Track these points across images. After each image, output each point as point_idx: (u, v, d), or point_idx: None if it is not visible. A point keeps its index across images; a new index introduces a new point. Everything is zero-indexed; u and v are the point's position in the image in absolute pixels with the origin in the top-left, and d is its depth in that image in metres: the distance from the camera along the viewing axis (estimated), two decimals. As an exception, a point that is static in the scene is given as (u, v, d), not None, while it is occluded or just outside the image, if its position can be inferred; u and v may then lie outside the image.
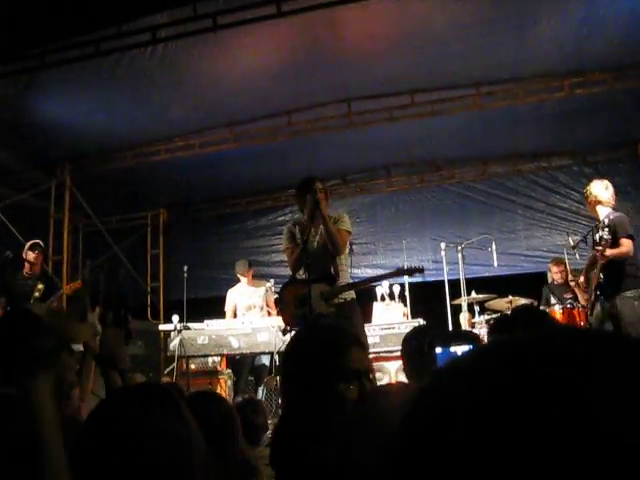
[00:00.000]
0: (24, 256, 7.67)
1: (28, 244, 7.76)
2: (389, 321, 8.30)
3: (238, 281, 8.88)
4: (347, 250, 5.70)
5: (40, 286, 7.31)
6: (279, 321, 7.31)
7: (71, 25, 6.23)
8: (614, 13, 6.85)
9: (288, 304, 5.65)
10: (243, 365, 8.37)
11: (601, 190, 6.35)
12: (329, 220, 5.44)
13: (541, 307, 8.46)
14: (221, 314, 8.72)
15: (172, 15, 6.42)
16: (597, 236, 6.10)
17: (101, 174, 9.78)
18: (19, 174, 9.68)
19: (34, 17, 6.07)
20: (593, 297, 6.33)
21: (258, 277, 9.45)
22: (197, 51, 7.19)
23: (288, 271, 6.35)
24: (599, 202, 6.29)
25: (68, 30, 6.35)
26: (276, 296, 8.64)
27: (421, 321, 8.18)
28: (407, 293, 9.21)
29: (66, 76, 7.27)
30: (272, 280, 9.26)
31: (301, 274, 5.52)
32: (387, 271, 8.33)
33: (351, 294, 5.54)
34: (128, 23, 6.39)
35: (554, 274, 8.55)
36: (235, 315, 8.71)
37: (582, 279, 6.82)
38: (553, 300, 8.29)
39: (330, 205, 5.89)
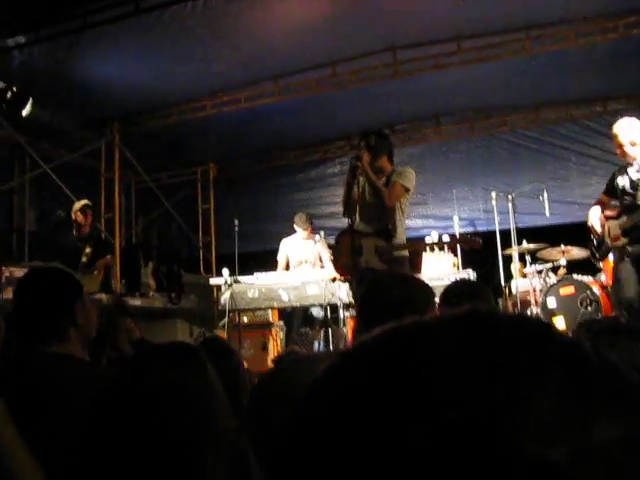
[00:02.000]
0: (73, 217, 7.77)
1: (76, 205, 7.83)
2: (439, 272, 8.26)
3: (294, 232, 8.85)
4: (404, 205, 5.67)
5: (88, 250, 7.35)
6: (328, 274, 7.37)
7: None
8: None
9: (342, 253, 5.67)
10: (294, 317, 8.43)
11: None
12: (372, 173, 5.44)
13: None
14: (272, 267, 8.77)
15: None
16: (635, 177, 5.59)
17: (149, 131, 9.87)
18: (69, 134, 9.84)
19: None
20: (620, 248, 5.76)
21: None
22: (238, 4, 7.13)
23: (339, 223, 6.41)
24: (621, 145, 5.64)
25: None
26: (331, 243, 8.69)
27: (471, 272, 8.13)
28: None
29: (109, 36, 7.30)
30: (322, 232, 9.28)
31: (359, 224, 5.54)
32: (435, 238, 8.36)
33: (404, 251, 5.56)
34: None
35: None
36: (287, 267, 8.73)
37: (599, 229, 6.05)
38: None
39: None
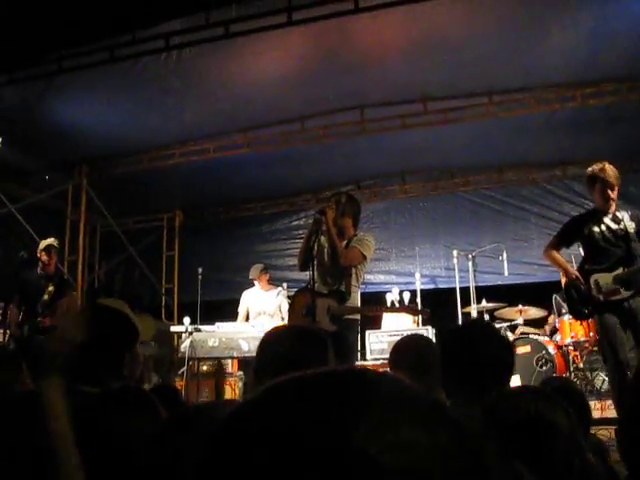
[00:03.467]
0: (38, 255, 7.74)
1: (42, 245, 7.81)
2: (398, 328, 8.33)
3: (253, 285, 8.93)
4: (360, 270, 5.77)
5: (50, 288, 7.34)
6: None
7: (87, 32, 6.36)
8: (624, 24, 6.86)
9: (296, 311, 5.73)
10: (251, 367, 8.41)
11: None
12: (334, 231, 5.55)
13: (551, 316, 8.47)
14: (234, 317, 8.79)
15: (185, 22, 6.53)
16: (614, 227, 5.49)
17: (117, 176, 9.92)
18: (36, 175, 9.85)
19: (51, 23, 6.22)
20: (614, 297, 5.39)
21: (272, 281, 9.52)
22: (211, 58, 7.29)
23: (302, 275, 6.47)
24: (614, 187, 5.56)
25: (84, 36, 6.48)
26: (289, 301, 8.75)
27: (430, 329, 8.22)
28: (418, 300, 9.27)
29: (83, 81, 7.41)
30: (285, 284, 9.34)
31: (312, 281, 5.61)
32: (396, 294, 8.47)
33: (355, 315, 5.64)
34: (142, 30, 6.51)
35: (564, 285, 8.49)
36: (247, 318, 8.76)
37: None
38: (564, 310, 8.18)
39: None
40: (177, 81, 7.69)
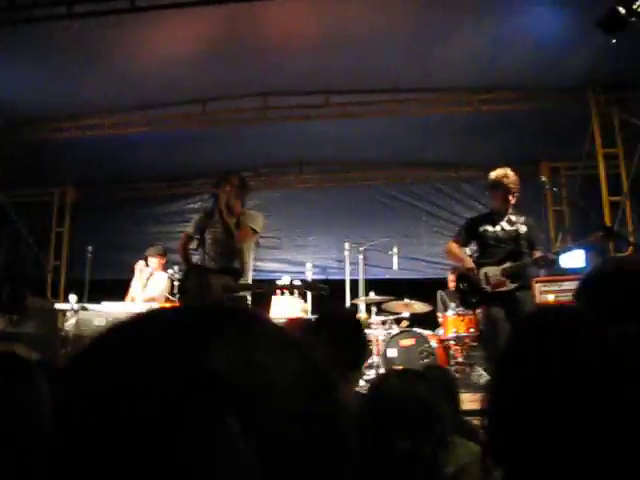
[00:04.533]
0: None
1: None
2: (287, 315, 8.40)
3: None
4: (252, 247, 5.89)
5: None
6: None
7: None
8: (524, 36, 7.16)
9: (190, 290, 5.74)
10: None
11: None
12: (227, 212, 5.63)
13: (438, 313, 8.74)
14: (123, 297, 8.66)
15: (90, -8, 6.38)
16: (508, 228, 5.93)
17: (7, 145, 9.54)
18: None
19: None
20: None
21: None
22: (114, 30, 7.10)
23: (194, 258, 6.48)
24: (514, 193, 5.99)
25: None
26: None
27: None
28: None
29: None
30: (176, 267, 9.25)
31: (205, 261, 5.65)
32: (295, 280, 8.52)
33: (246, 292, 5.73)
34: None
35: (450, 282, 8.79)
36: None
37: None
38: (451, 305, 8.46)
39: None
40: (77, 51, 7.46)
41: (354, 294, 9.10)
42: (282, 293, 8.50)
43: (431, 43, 7.43)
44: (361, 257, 9.04)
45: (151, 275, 8.66)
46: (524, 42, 7.28)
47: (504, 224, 5.99)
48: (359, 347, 3.06)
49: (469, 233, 6.23)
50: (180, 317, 0.63)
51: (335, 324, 3.03)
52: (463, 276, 6.20)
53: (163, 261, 8.81)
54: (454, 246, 6.26)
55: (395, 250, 9.19)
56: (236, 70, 8.05)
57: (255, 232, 5.82)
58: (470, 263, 6.04)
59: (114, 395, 0.55)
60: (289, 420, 0.56)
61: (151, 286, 8.57)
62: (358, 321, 3.53)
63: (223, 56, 7.74)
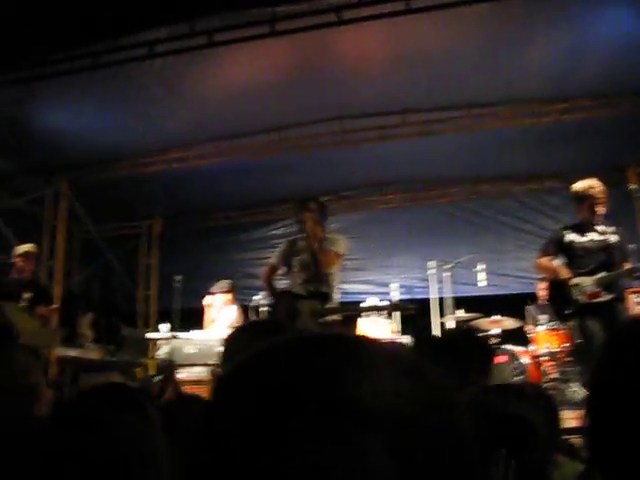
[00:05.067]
0: (14, 260, 7.66)
1: (19, 250, 7.72)
2: (376, 337, 8.38)
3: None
4: (337, 270, 5.95)
5: (27, 295, 7.19)
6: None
7: (70, 37, 6.38)
8: (600, 42, 7.01)
9: (280, 316, 5.82)
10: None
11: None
12: (314, 239, 5.70)
13: (528, 328, 8.55)
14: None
15: (169, 31, 6.57)
16: (598, 238, 5.81)
17: (97, 183, 9.90)
18: (16, 180, 9.81)
19: (34, 28, 6.23)
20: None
21: (249, 289, 9.56)
22: (194, 66, 7.34)
23: (279, 284, 6.57)
24: (602, 203, 5.89)
25: (67, 42, 6.50)
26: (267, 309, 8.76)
27: (409, 338, 8.29)
28: (395, 310, 9.33)
29: (65, 86, 7.41)
30: (261, 293, 9.34)
31: (293, 288, 5.73)
32: (380, 302, 8.53)
33: (336, 315, 5.77)
34: (126, 37, 6.56)
35: (540, 291, 8.58)
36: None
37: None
38: (541, 319, 8.26)
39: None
40: (159, 89, 7.73)
41: (442, 313, 9.01)
42: (369, 315, 8.58)
43: (506, 56, 7.35)
44: (447, 275, 8.94)
45: (220, 311, 8.74)
46: (601, 47, 7.12)
47: (593, 235, 5.84)
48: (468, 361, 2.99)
49: (556, 245, 6.06)
50: (314, 345, 0.67)
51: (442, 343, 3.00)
52: (556, 286, 6.03)
53: (230, 296, 8.86)
54: (544, 260, 6.11)
55: (481, 267, 9.06)
56: (311, 96, 8.15)
57: (339, 255, 5.87)
58: (567, 272, 5.86)
59: (262, 418, 0.59)
60: (420, 442, 0.60)
61: (222, 320, 8.65)
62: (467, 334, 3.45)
63: (298, 83, 7.85)
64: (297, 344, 0.68)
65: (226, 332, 7.64)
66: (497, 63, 7.47)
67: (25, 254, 7.65)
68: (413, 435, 0.59)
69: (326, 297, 5.69)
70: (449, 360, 2.77)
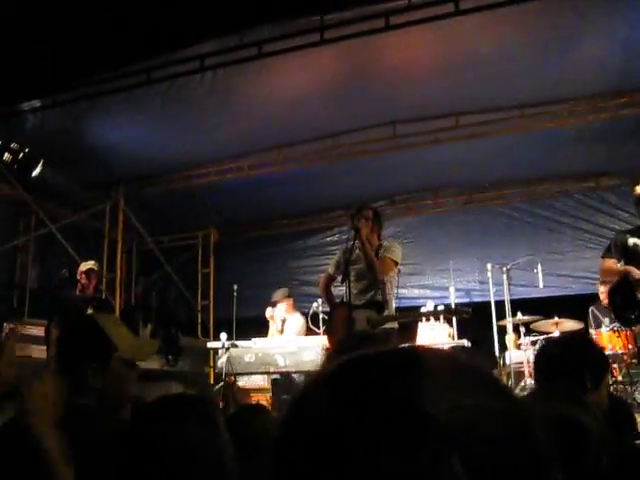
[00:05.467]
0: (78, 277, 7.85)
1: (83, 267, 7.90)
2: (434, 342, 8.33)
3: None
4: (393, 278, 5.90)
5: (90, 311, 7.37)
6: (324, 340, 7.45)
7: (123, 54, 6.51)
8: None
9: (336, 326, 5.81)
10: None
11: None
12: (368, 246, 5.67)
13: (590, 330, 8.37)
14: (267, 333, 8.87)
15: (219, 43, 6.65)
16: None
17: (153, 195, 10.07)
18: (74, 195, 10.03)
19: (89, 47, 6.37)
20: None
21: (306, 297, 9.59)
22: (244, 77, 7.41)
23: (336, 291, 6.58)
24: None
25: (121, 59, 6.63)
26: (324, 316, 8.79)
27: (466, 342, 8.22)
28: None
29: (120, 102, 7.56)
30: (320, 300, 9.37)
31: (350, 296, 5.70)
32: (430, 308, 8.46)
33: (393, 323, 5.72)
34: (177, 52, 6.66)
35: (601, 294, 8.40)
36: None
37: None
38: (604, 321, 8.09)
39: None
40: (211, 101, 7.83)
41: (500, 315, 8.88)
42: (427, 320, 8.52)
43: (558, 52, 7.22)
44: (505, 277, 8.82)
45: (284, 321, 8.80)
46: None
47: None
48: None
49: (618, 248, 5.88)
50: (389, 360, 0.67)
51: None
52: (617, 290, 5.81)
53: (291, 302, 8.93)
54: (610, 263, 5.91)
55: (539, 267, 8.91)
56: (363, 102, 8.15)
57: (395, 263, 5.84)
58: (638, 272, 5.60)
59: (339, 432, 0.60)
60: (497, 458, 0.59)
61: (288, 329, 8.70)
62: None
63: (349, 90, 7.86)
64: (374, 360, 0.68)
65: (293, 340, 7.76)
66: (549, 60, 7.35)
67: (88, 272, 7.82)
68: (490, 451, 0.59)
69: (382, 306, 5.65)
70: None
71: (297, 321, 8.73)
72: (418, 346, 0.72)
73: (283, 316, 8.81)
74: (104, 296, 8.87)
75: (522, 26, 6.78)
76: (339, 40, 6.34)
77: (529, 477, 0.60)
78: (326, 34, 6.30)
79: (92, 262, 8.05)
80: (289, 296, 9.02)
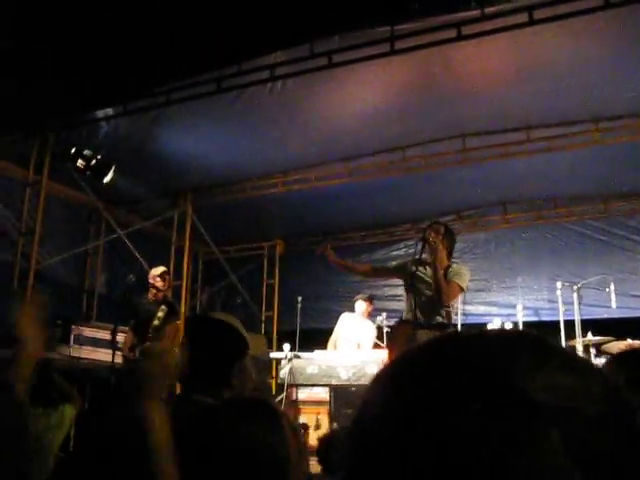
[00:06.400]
0: (151, 281, 7.91)
1: (157, 271, 7.96)
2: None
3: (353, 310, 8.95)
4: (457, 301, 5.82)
5: (160, 314, 7.39)
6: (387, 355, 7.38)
7: (194, 63, 6.59)
8: None
9: (398, 342, 5.73)
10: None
11: None
12: (440, 269, 5.55)
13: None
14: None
15: (289, 54, 6.67)
16: None
17: (221, 205, 10.16)
18: (143, 202, 10.21)
19: (160, 56, 6.47)
20: None
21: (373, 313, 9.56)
22: (313, 87, 7.42)
23: (400, 305, 6.49)
24: None
25: (191, 68, 6.71)
26: (387, 330, 8.72)
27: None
28: (520, 332, 9.05)
29: (190, 111, 7.66)
30: (384, 314, 9.29)
31: (416, 316, 5.61)
32: (497, 326, 8.29)
33: None
34: (248, 61, 6.70)
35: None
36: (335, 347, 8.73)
37: None
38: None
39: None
40: (280, 111, 7.86)
41: (570, 336, 8.64)
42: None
43: (633, 65, 7.03)
44: (575, 296, 8.58)
45: (359, 322, 8.75)
46: None
47: None
48: None
49: None
50: (485, 342, 0.66)
51: None
52: None
53: (370, 308, 8.90)
54: None
55: (612, 287, 8.65)
56: (432, 114, 8.08)
57: (462, 290, 5.72)
58: None
59: (433, 409, 0.59)
60: (598, 440, 0.57)
61: (360, 331, 8.64)
62: None
63: (419, 101, 7.80)
64: (467, 339, 0.67)
65: (356, 354, 7.71)
66: (626, 72, 7.14)
67: (162, 274, 7.90)
68: (589, 432, 0.57)
69: (446, 327, 5.55)
70: None
71: (372, 329, 8.72)
72: (515, 331, 0.74)
73: (358, 318, 8.76)
74: (172, 302, 8.94)
75: (598, 38, 6.61)
76: (409, 51, 6.27)
77: (627, 460, 0.58)
78: (396, 44, 6.24)
79: (163, 267, 8.15)
80: (371, 301, 8.98)
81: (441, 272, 5.57)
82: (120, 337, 7.66)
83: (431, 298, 5.62)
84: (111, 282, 10.26)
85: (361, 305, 8.84)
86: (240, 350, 2.48)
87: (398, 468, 0.57)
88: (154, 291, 7.80)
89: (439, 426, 0.57)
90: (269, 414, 1.62)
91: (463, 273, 5.71)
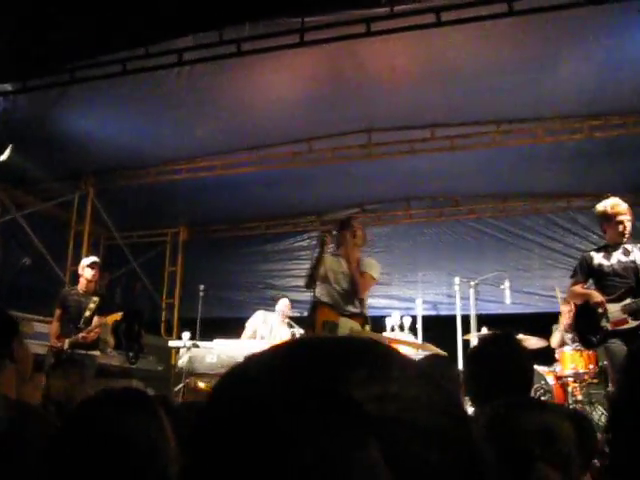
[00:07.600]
0: (80, 272, 7.61)
1: (86, 261, 7.63)
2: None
3: (258, 303, 8.90)
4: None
5: (92, 305, 7.19)
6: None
7: (100, 44, 6.42)
8: (633, 58, 6.89)
9: (316, 326, 5.77)
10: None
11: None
12: (352, 260, 5.70)
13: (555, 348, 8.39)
14: (233, 334, 8.74)
15: (198, 39, 6.58)
16: (624, 259, 5.55)
17: (124, 189, 9.95)
18: (44, 184, 9.85)
19: (65, 34, 6.27)
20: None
21: (272, 300, 9.52)
22: (222, 75, 7.35)
23: (302, 296, 6.53)
24: (627, 222, 5.62)
25: (98, 48, 6.54)
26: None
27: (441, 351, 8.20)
28: (419, 326, 9.24)
29: (94, 92, 7.45)
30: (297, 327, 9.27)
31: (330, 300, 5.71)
32: (396, 319, 8.41)
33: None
34: (155, 44, 6.57)
35: (564, 314, 8.42)
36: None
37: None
38: (567, 340, 8.11)
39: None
40: (188, 97, 7.76)
41: (466, 329, 8.89)
42: (392, 330, 8.51)
43: (537, 72, 7.26)
44: (472, 292, 8.84)
45: (278, 324, 8.67)
46: (634, 64, 6.99)
47: (619, 255, 5.59)
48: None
49: (585, 270, 5.81)
50: (321, 347, 0.65)
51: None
52: (581, 314, 5.81)
53: (288, 309, 8.82)
54: (577, 288, 5.82)
55: (507, 284, 8.94)
56: (340, 108, 8.13)
57: (374, 280, 5.86)
58: (598, 296, 5.56)
59: (255, 415, 0.57)
60: (423, 449, 0.56)
61: (282, 336, 8.56)
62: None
63: (327, 95, 7.83)
64: (319, 344, 0.66)
65: (258, 343, 7.65)
66: (528, 79, 7.38)
67: (92, 265, 7.55)
68: (420, 444, 0.56)
69: (366, 320, 5.74)
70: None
71: (287, 334, 8.64)
72: (352, 338, 0.68)
73: (272, 324, 8.69)
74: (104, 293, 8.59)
75: (504, 43, 6.81)
76: (319, 43, 6.31)
77: (460, 477, 0.58)
78: (306, 36, 6.26)
79: (94, 257, 7.86)
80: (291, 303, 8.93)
81: (354, 265, 5.70)
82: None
83: (346, 292, 5.74)
84: (5, 265, 9.88)
85: (283, 303, 8.76)
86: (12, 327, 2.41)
87: (225, 465, 0.57)
88: (84, 282, 7.53)
89: (262, 425, 0.56)
90: (144, 404, 1.59)
91: (373, 265, 5.88)
